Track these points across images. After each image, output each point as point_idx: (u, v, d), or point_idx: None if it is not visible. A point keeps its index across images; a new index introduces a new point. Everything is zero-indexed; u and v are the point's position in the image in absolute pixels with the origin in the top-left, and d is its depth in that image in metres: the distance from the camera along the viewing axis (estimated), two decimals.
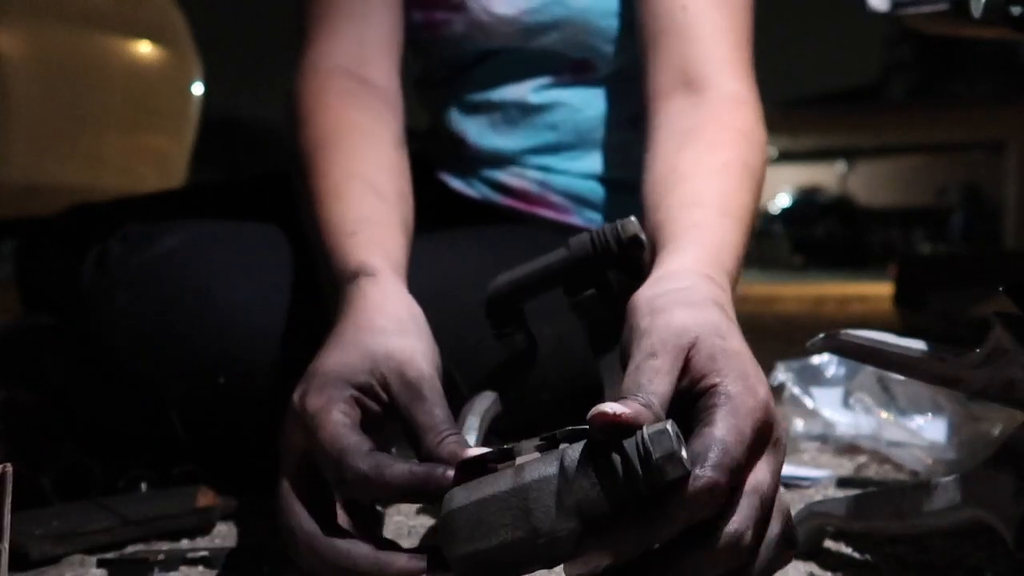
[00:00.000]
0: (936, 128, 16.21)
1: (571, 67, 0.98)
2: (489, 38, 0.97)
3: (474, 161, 1.01)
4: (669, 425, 0.43)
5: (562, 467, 0.45)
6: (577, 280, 0.62)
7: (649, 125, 0.81)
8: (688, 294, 0.54)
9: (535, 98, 0.98)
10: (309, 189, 0.75)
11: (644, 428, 0.43)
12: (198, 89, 2.59)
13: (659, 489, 0.43)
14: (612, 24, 0.95)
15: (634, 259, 0.61)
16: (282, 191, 1.17)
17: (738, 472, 0.45)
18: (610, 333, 0.59)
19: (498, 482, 0.46)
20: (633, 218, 0.61)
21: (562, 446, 0.46)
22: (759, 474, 0.47)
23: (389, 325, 0.58)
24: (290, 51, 0.88)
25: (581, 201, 0.99)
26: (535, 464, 0.46)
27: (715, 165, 0.70)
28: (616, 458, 0.44)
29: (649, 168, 0.75)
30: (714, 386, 0.48)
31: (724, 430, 0.46)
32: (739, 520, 0.45)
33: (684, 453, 0.43)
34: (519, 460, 0.48)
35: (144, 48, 2.41)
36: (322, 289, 0.69)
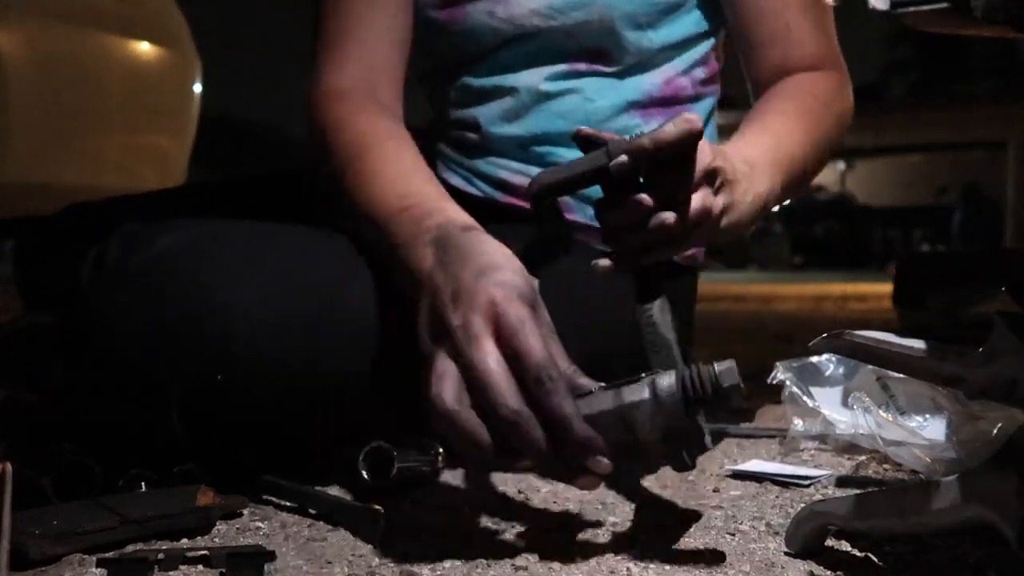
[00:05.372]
0: (936, 128, 16.18)
1: (587, 56, 0.99)
2: (509, 24, 0.98)
3: (480, 148, 1.02)
4: (732, 362, 0.63)
5: (653, 391, 0.63)
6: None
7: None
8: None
9: (548, 86, 1.00)
10: (374, 171, 0.84)
11: (715, 364, 0.63)
12: (198, 89, 2.59)
13: (723, 410, 0.64)
14: (636, 12, 0.98)
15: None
16: (282, 191, 1.17)
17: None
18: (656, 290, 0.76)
19: (603, 401, 0.64)
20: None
21: (650, 376, 0.65)
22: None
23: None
24: (291, 52, 0.90)
25: (582, 197, 0.99)
26: (630, 388, 0.64)
27: (776, 109, 0.95)
28: (694, 382, 0.63)
29: None
30: None
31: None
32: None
33: (742, 385, 0.64)
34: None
35: (144, 48, 2.41)
36: (392, 247, 0.77)
